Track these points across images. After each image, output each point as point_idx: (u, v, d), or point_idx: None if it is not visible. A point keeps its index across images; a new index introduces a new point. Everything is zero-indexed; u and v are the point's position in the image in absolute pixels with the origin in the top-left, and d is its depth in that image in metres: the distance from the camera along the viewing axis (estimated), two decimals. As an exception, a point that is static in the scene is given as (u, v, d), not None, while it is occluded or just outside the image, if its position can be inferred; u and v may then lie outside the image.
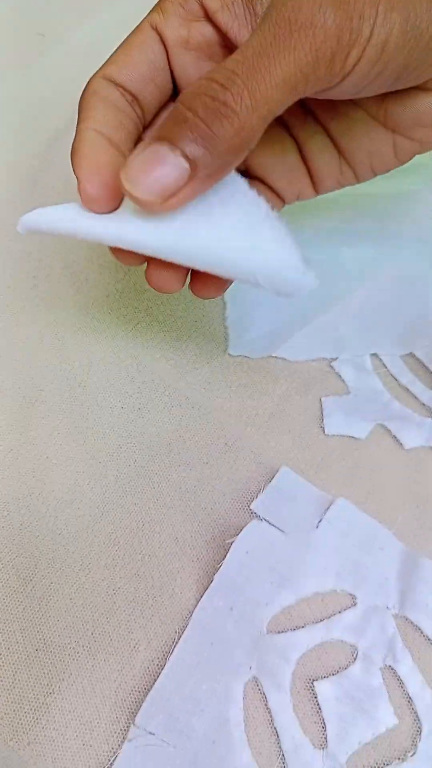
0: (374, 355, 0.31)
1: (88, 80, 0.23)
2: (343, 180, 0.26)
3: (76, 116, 0.38)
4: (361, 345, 0.31)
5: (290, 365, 0.30)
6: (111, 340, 0.31)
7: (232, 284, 0.32)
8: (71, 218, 0.21)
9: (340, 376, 0.30)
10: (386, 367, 0.30)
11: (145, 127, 0.24)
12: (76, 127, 0.23)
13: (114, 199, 0.22)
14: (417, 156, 0.25)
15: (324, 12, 0.18)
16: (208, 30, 0.23)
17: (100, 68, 0.23)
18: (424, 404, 0.30)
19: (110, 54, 0.23)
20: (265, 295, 0.31)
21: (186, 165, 0.19)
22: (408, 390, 0.30)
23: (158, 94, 0.24)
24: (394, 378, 0.30)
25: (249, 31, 0.22)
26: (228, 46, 0.23)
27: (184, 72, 0.24)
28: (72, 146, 0.22)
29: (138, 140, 0.24)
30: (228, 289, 0.32)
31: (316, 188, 0.26)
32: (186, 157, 0.19)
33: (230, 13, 0.22)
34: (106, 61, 0.23)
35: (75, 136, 0.22)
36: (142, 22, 0.23)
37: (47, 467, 0.28)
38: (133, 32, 0.23)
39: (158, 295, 0.32)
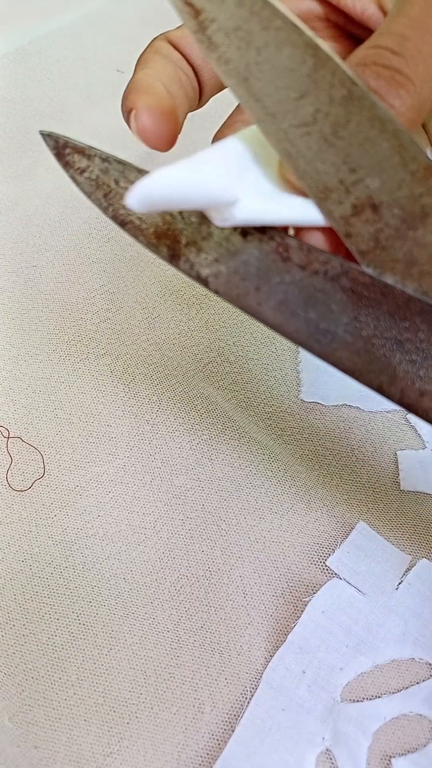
0: (451, 409, 0.30)
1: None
2: None
3: (153, 152, 0.38)
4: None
5: (364, 415, 0.29)
6: (181, 378, 0.30)
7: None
8: (224, 181, 0.16)
9: (415, 429, 0.29)
10: (463, 423, 0.29)
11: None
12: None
13: (169, 139, 0.20)
14: None
15: None
16: (308, 3, 0.22)
17: (164, 32, 0.22)
18: None
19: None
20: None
21: None
22: None
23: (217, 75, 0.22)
24: (472, 434, 0.29)
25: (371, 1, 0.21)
26: (333, 18, 0.22)
27: None
28: (125, 89, 0.21)
29: (190, 107, 0.22)
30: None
31: None
32: None
33: None
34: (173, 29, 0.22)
35: (129, 82, 0.21)
36: None
37: (112, 506, 0.27)
38: None
39: (230, 335, 0.31)
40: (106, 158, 0.19)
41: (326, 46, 0.15)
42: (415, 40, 0.17)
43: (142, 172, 0.18)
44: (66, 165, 0.19)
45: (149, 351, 0.31)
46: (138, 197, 0.15)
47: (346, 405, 0.29)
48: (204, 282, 0.18)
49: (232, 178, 0.17)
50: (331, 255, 0.17)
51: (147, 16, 0.45)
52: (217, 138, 0.22)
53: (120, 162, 0.19)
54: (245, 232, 0.18)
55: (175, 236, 0.18)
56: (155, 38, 0.22)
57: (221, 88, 0.23)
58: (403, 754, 0.22)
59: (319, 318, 0.18)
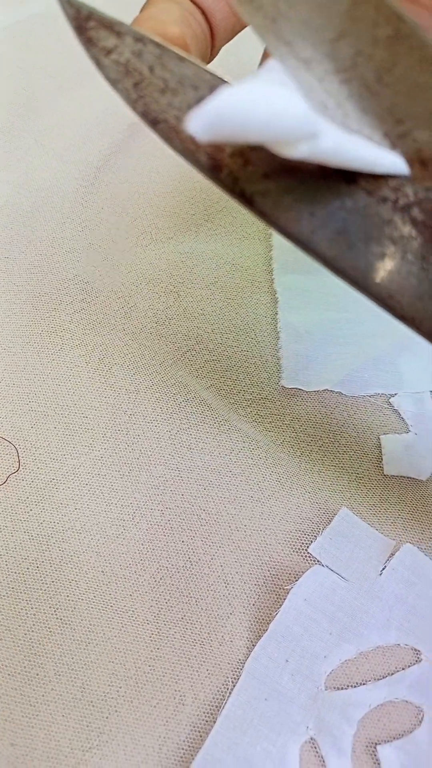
0: (434, 392, 0.29)
1: None
2: None
3: (127, 140, 0.38)
4: (421, 381, 0.29)
5: (347, 400, 0.29)
6: (159, 367, 0.29)
7: (287, 314, 0.31)
8: (299, 106, 0.13)
9: (399, 413, 0.29)
10: (447, 406, 0.29)
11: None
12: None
13: None
14: None
15: None
16: None
17: None
18: None
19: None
20: (320, 326, 0.30)
21: None
22: (470, 430, 0.28)
23: (232, 17, 0.20)
24: (455, 417, 0.29)
25: None
26: None
27: None
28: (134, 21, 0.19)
29: (201, 55, 0.20)
30: (282, 320, 0.31)
31: None
32: None
33: None
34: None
35: (133, 21, 0.19)
36: None
37: (89, 499, 0.26)
38: None
39: (209, 322, 0.31)
40: (140, 38, 0.16)
41: None
42: None
43: (184, 62, 0.16)
44: (88, 42, 0.16)
45: (126, 341, 0.30)
46: (205, 121, 0.12)
47: (328, 390, 0.29)
48: (248, 201, 0.16)
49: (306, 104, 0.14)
50: (403, 180, 0.15)
51: (122, 2, 0.44)
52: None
53: (157, 45, 0.16)
54: None
55: (219, 143, 0.15)
56: None
57: (235, 33, 0.21)
58: (388, 741, 0.22)
59: (383, 254, 0.15)
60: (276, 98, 0.12)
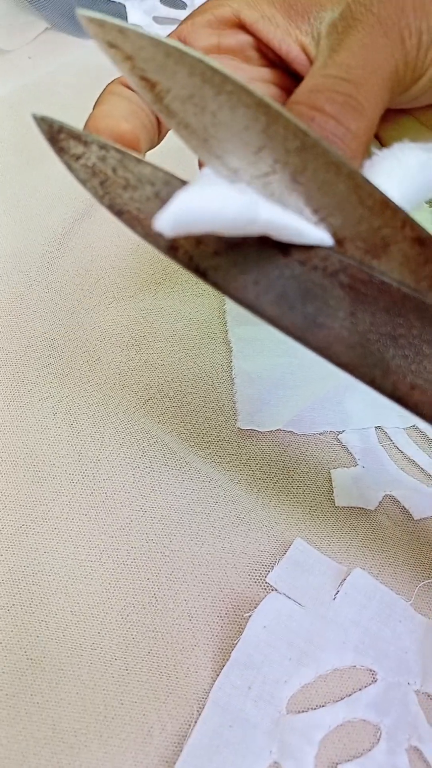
0: (379, 428, 0.31)
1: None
2: None
3: (89, 209, 0.41)
4: (366, 418, 0.31)
5: (298, 438, 0.31)
6: (123, 415, 0.31)
7: (241, 361, 0.33)
8: (240, 198, 0.16)
9: (347, 448, 0.31)
10: (391, 440, 0.31)
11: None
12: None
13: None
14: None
15: (407, 15, 0.19)
16: (240, 36, 0.23)
17: (116, 78, 0.23)
18: (430, 475, 0.30)
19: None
20: (271, 371, 0.33)
21: None
22: (414, 461, 0.31)
23: None
24: (400, 450, 0.31)
25: (293, 39, 0.22)
26: (263, 50, 0.23)
27: None
28: (84, 125, 0.21)
29: (149, 142, 0.23)
30: (236, 367, 0.33)
31: None
32: None
33: (271, 23, 0.22)
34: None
35: (87, 119, 0.21)
36: (169, 35, 0.23)
37: (57, 543, 0.27)
38: None
39: (169, 372, 0.33)
40: (103, 145, 0.19)
41: (277, 104, 0.16)
42: (360, 70, 0.18)
43: (141, 163, 0.18)
44: (60, 151, 0.19)
45: (91, 392, 0.32)
46: (169, 222, 0.15)
47: (281, 430, 0.31)
48: (202, 274, 0.18)
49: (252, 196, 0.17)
50: (330, 251, 0.18)
51: (82, 87, 0.48)
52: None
53: (119, 151, 0.19)
54: None
55: None
56: (109, 83, 0.23)
57: None
58: (349, 760, 0.23)
59: (317, 312, 0.18)
60: (221, 196, 0.16)
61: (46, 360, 0.33)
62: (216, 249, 0.18)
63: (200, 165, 0.23)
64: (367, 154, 0.25)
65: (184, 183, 0.18)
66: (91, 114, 0.22)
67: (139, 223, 0.19)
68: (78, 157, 0.19)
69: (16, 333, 0.34)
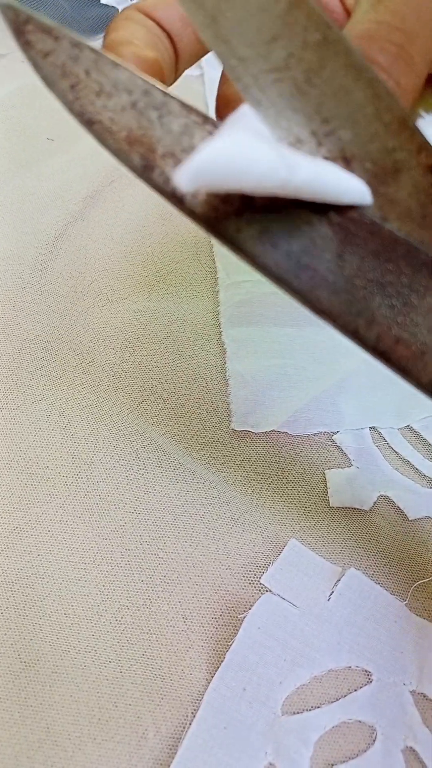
0: (373, 428, 0.31)
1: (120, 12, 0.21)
2: None
3: (83, 211, 0.41)
4: (361, 418, 0.31)
5: (293, 439, 0.31)
6: (116, 417, 0.31)
7: (235, 363, 0.33)
8: (269, 155, 0.14)
9: (341, 449, 0.31)
10: (386, 440, 0.31)
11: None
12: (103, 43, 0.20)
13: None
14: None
15: None
16: None
17: (134, 3, 0.21)
18: (425, 475, 0.30)
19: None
20: (265, 372, 0.33)
21: None
22: (408, 462, 0.31)
23: (197, 43, 0.21)
24: (394, 450, 0.31)
25: None
26: None
27: None
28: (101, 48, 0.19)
29: (170, 78, 0.21)
30: (230, 368, 0.33)
31: None
32: None
33: None
34: None
35: (102, 45, 0.19)
36: None
37: (51, 545, 0.27)
38: None
39: (163, 374, 0.33)
40: (77, 43, 0.16)
41: None
42: (411, 19, 0.17)
43: (119, 67, 0.16)
44: (26, 45, 0.16)
45: (84, 394, 0.32)
46: (191, 177, 0.13)
47: (275, 431, 0.31)
48: (179, 200, 0.16)
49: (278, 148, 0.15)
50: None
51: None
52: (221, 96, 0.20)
53: (93, 51, 0.16)
54: None
55: (150, 144, 0.16)
56: (125, 8, 0.21)
57: (198, 59, 0.22)
58: (344, 761, 0.23)
59: (302, 251, 0.16)
60: (251, 148, 0.14)
61: (39, 362, 0.33)
62: None
63: (218, 114, 0.21)
64: (415, 114, 0.23)
65: (165, 95, 0.16)
66: (108, 39, 0.20)
67: (111, 136, 0.16)
68: (46, 54, 0.16)
69: (9, 335, 0.34)
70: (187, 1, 0.15)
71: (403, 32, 0.17)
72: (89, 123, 0.17)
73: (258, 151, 0.14)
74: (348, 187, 0.16)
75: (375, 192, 0.16)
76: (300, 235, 0.16)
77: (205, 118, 0.16)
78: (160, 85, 0.17)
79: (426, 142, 0.15)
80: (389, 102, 0.15)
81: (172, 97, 0.16)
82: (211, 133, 0.16)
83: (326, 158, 0.16)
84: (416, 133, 0.15)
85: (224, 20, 0.15)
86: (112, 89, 0.16)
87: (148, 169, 0.16)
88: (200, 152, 0.13)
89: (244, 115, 0.16)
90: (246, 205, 0.16)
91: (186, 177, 0.13)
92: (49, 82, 0.16)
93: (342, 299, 0.17)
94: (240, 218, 0.16)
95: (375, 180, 0.16)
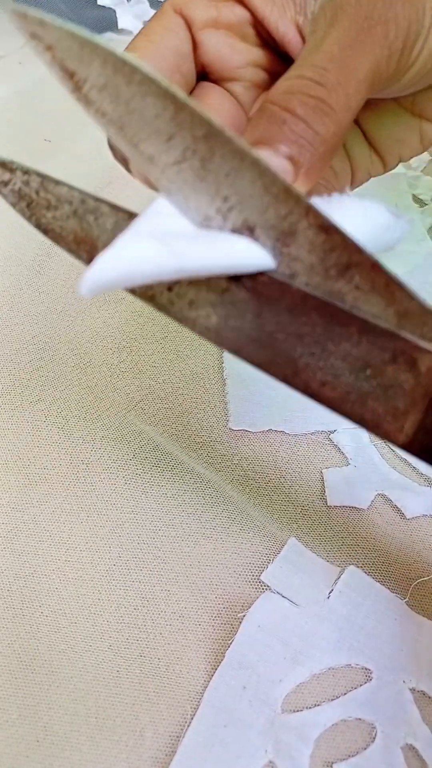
0: (371, 427, 0.31)
1: None
2: (373, 170, 0.26)
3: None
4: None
5: (290, 438, 0.31)
6: (114, 417, 0.31)
7: (232, 362, 0.33)
8: (154, 253, 0.17)
9: (339, 448, 0.31)
10: (383, 439, 0.31)
11: None
12: None
13: None
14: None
15: (395, 6, 0.19)
16: (238, 10, 0.23)
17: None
18: (422, 474, 0.30)
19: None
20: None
21: (290, 167, 0.19)
22: (406, 460, 0.31)
23: (183, 84, 0.23)
24: (392, 449, 0.31)
25: (289, 18, 0.22)
26: (258, 28, 0.23)
27: (216, 51, 0.23)
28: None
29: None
30: (227, 368, 0.33)
31: (352, 182, 0.26)
32: (290, 158, 0.18)
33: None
34: (127, 48, 0.22)
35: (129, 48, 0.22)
36: (163, 5, 0.22)
37: (49, 545, 0.27)
38: (154, 17, 0.22)
39: (160, 374, 0.33)
40: (26, 171, 0.20)
41: (182, 92, 0.17)
42: (335, 73, 0.18)
43: (59, 184, 0.20)
44: None
45: (82, 394, 0.32)
46: (88, 287, 0.16)
47: (272, 430, 0.31)
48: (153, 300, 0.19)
49: (170, 241, 0.17)
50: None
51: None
52: None
53: (39, 174, 0.20)
54: None
55: (92, 242, 0.20)
56: (165, 3, 0.23)
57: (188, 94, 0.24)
58: (344, 759, 0.23)
59: (226, 315, 0.19)
60: (139, 250, 0.17)
61: (37, 363, 0.33)
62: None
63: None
64: (340, 187, 0.25)
65: (98, 201, 0.19)
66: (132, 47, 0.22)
67: (63, 240, 0.20)
68: (6, 183, 0.20)
69: (6, 336, 0.34)
70: (99, 117, 0.17)
71: (323, 86, 0.18)
72: (45, 231, 0.20)
73: (146, 251, 0.17)
74: (249, 257, 0.18)
75: (280, 253, 0.18)
76: (222, 302, 0.19)
77: (130, 214, 0.19)
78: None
79: (309, 204, 0.17)
80: (272, 176, 0.17)
81: (102, 201, 0.20)
82: None
83: (234, 230, 0.18)
84: (300, 199, 0.17)
85: (129, 128, 0.17)
86: (57, 202, 0.20)
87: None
88: (93, 265, 0.16)
89: (158, 206, 0.18)
90: (174, 282, 0.19)
91: (85, 288, 0.16)
92: (12, 204, 0.21)
93: (268, 352, 0.19)
94: (171, 292, 0.19)
95: (278, 243, 0.18)
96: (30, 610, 0.25)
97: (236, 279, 0.18)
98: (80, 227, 0.20)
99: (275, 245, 0.18)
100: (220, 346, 0.19)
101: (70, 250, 0.20)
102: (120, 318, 0.35)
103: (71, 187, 0.20)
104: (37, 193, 0.20)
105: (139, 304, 0.36)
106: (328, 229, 0.18)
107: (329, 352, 0.18)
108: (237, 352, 0.19)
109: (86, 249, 0.20)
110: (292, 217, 0.18)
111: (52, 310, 0.35)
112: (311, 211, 0.17)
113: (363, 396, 0.18)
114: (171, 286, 0.19)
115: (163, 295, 0.19)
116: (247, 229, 0.18)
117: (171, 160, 0.17)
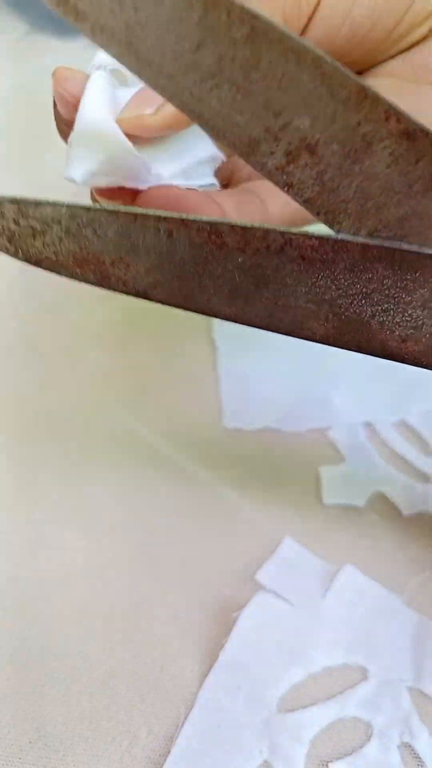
0: (367, 423, 0.31)
1: None
2: None
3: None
4: (354, 413, 0.31)
5: (285, 436, 0.31)
6: (106, 416, 0.31)
7: (226, 360, 0.33)
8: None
9: (334, 445, 0.30)
10: (379, 435, 0.31)
11: None
12: None
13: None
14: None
15: None
16: None
17: None
18: (419, 470, 0.30)
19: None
20: (257, 368, 0.32)
21: None
22: (403, 457, 0.30)
23: None
24: (388, 445, 0.31)
25: None
26: None
27: None
28: None
29: None
30: (221, 365, 0.33)
31: None
32: None
33: None
34: None
35: None
36: None
37: (42, 547, 0.27)
38: None
39: (153, 372, 0.32)
40: None
41: None
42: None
43: (41, 204, 0.17)
44: None
45: (74, 393, 0.32)
46: (77, 172, 0.15)
47: (267, 428, 0.31)
48: (144, 295, 0.18)
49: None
50: (268, 227, 0.16)
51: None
52: None
53: (12, 200, 0.17)
54: (170, 231, 0.16)
55: (97, 258, 0.17)
56: None
57: None
58: (340, 758, 0.22)
59: (276, 295, 0.17)
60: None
61: (27, 362, 0.33)
62: (148, 266, 0.17)
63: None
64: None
65: (91, 210, 0.17)
66: None
67: (62, 267, 0.18)
68: None
69: (1, 337, 0.34)
70: (97, 33, 0.14)
71: None
72: (38, 263, 0.18)
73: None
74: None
75: (349, 171, 0.15)
76: (268, 282, 0.16)
77: (135, 215, 0.17)
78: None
79: (392, 105, 0.14)
80: (340, 77, 0.14)
81: (97, 209, 0.17)
82: (145, 226, 0.17)
83: (288, 154, 0.15)
84: (379, 100, 0.14)
85: (140, 42, 0.14)
86: (44, 226, 0.17)
87: (105, 279, 0.17)
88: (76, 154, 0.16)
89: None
90: (203, 275, 0.17)
91: (76, 173, 0.16)
92: None
93: (334, 323, 0.17)
94: (204, 290, 0.17)
95: (347, 160, 0.15)
96: (22, 614, 0.25)
97: (281, 252, 0.16)
98: (78, 246, 0.17)
99: (342, 164, 0.15)
100: (275, 332, 0.17)
101: (74, 276, 0.18)
102: (113, 316, 0.35)
103: (56, 203, 0.17)
104: (16, 222, 0.17)
105: (132, 302, 0.35)
106: (414, 134, 0.14)
107: (405, 303, 0.16)
108: (295, 334, 0.17)
109: (92, 268, 0.17)
110: (367, 126, 0.14)
111: (43, 309, 0.35)
112: (393, 114, 0.14)
113: None
114: (205, 281, 0.17)
115: (199, 295, 0.17)
116: (307, 149, 0.15)
117: (201, 76, 0.14)
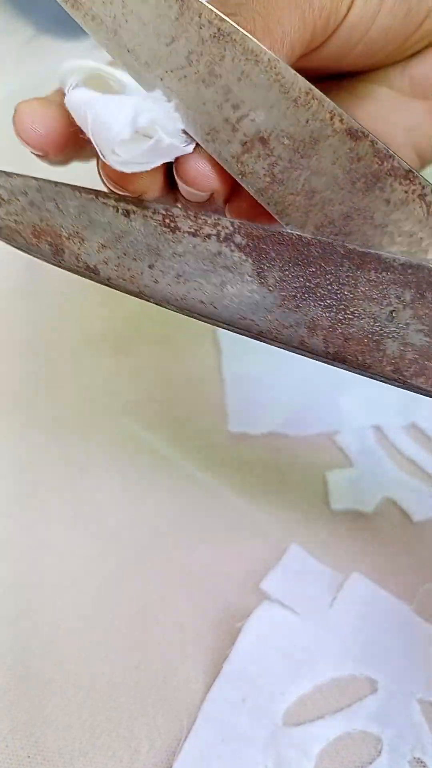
0: (376, 427, 0.30)
1: None
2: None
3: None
4: (362, 417, 0.30)
5: (291, 440, 0.30)
6: (110, 421, 0.30)
7: (231, 362, 0.32)
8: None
9: (342, 449, 0.30)
10: (389, 439, 0.30)
11: None
12: None
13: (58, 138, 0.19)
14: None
15: None
16: None
17: None
18: (430, 474, 0.29)
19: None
20: (262, 371, 0.32)
21: None
22: (414, 461, 0.30)
23: None
24: (398, 450, 0.30)
25: None
26: None
27: None
28: None
29: None
30: (226, 368, 0.32)
31: None
32: None
33: None
34: None
35: None
36: None
37: (45, 554, 0.27)
38: None
39: (157, 376, 0.32)
40: None
41: None
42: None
43: (11, 176, 0.18)
44: None
45: (77, 398, 0.31)
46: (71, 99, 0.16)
47: (273, 432, 0.30)
48: (93, 271, 0.18)
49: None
50: (220, 216, 0.17)
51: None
52: None
53: None
54: (127, 211, 0.17)
55: (54, 231, 0.18)
56: None
57: None
58: (348, 775, 0.22)
59: (223, 282, 0.17)
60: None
61: (29, 366, 0.32)
62: (103, 242, 0.17)
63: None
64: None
65: (59, 185, 0.18)
66: None
67: (19, 234, 0.18)
68: None
69: (3, 342, 0.33)
70: (88, 21, 0.16)
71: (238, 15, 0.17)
72: None
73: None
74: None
75: (298, 165, 0.16)
76: (215, 268, 0.17)
77: (96, 193, 0.18)
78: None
79: (336, 107, 0.16)
80: (291, 78, 0.16)
81: (64, 185, 0.18)
82: (105, 205, 0.17)
83: (244, 142, 0.16)
84: (325, 101, 0.16)
85: (124, 32, 0.16)
86: (10, 196, 0.18)
87: (59, 253, 0.18)
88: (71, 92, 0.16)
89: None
90: (154, 256, 0.17)
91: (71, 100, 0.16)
92: None
93: (276, 315, 0.17)
94: (153, 270, 0.17)
95: (297, 154, 0.16)
96: (24, 622, 0.25)
97: (229, 239, 0.17)
98: (39, 218, 0.18)
99: (293, 157, 0.16)
100: (213, 323, 0.18)
101: (29, 246, 0.18)
102: (115, 320, 0.34)
103: (27, 177, 0.18)
104: None
105: (135, 305, 0.35)
106: (356, 134, 0.16)
107: (347, 300, 0.17)
108: (234, 323, 0.17)
109: (48, 240, 0.18)
110: (315, 124, 0.16)
111: (46, 313, 0.35)
112: (337, 115, 0.16)
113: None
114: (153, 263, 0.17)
115: (144, 276, 0.17)
116: (260, 141, 0.16)
117: (173, 66, 0.16)
